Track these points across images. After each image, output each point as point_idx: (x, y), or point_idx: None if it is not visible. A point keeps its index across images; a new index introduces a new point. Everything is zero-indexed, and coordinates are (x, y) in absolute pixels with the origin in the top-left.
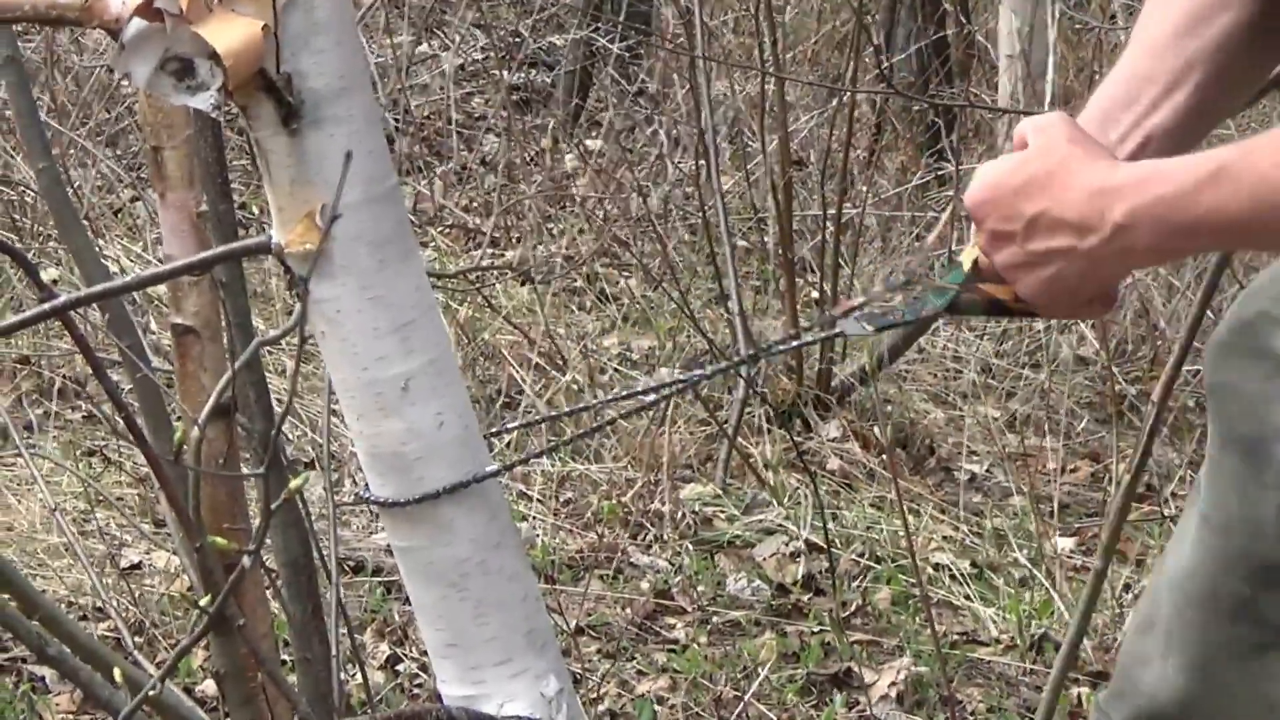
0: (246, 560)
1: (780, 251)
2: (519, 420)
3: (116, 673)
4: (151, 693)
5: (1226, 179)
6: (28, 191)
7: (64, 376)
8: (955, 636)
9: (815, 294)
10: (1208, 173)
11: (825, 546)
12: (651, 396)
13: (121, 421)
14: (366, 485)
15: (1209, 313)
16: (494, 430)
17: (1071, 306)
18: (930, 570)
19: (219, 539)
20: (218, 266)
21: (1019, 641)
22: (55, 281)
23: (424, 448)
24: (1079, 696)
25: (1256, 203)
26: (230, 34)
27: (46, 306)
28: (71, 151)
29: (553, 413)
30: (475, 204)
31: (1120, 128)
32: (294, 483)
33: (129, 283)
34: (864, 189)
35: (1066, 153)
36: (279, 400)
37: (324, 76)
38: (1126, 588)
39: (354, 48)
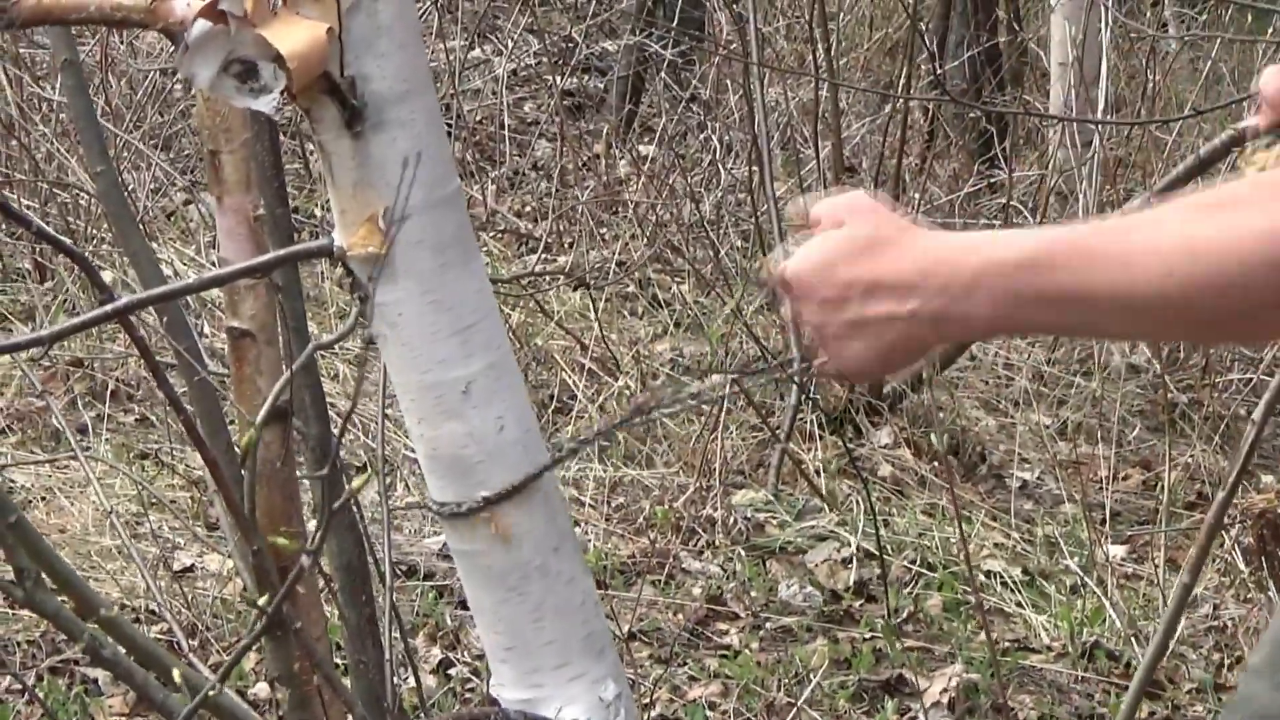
0: (305, 560)
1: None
2: (573, 428)
3: (176, 674)
4: (210, 694)
5: (1086, 251)
6: (81, 195)
7: (117, 379)
8: (1007, 643)
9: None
10: (1066, 244)
11: (877, 553)
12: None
13: (179, 424)
14: (406, 488)
15: None
16: (556, 457)
17: (882, 371)
18: (982, 577)
19: (281, 538)
20: (275, 270)
21: (1070, 649)
22: (110, 285)
23: (484, 451)
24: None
25: (1116, 283)
26: (295, 36)
27: (108, 308)
28: (126, 155)
29: (605, 421)
30: (527, 209)
31: None
32: (356, 483)
33: (189, 285)
34: (916, 196)
35: (892, 222)
36: (333, 404)
37: (387, 79)
38: (1187, 593)
39: (416, 51)
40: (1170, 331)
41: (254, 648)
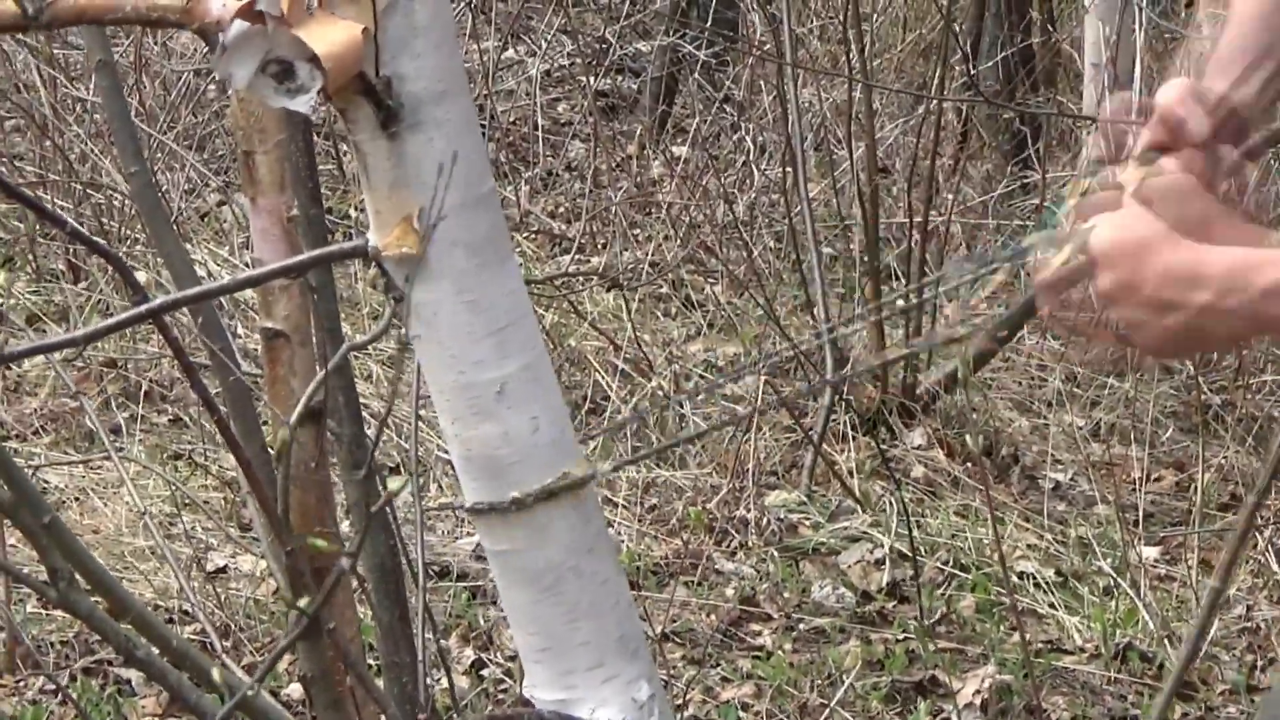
0: (345, 563)
1: (866, 259)
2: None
3: (215, 674)
4: (248, 694)
5: None
6: (114, 195)
7: (151, 380)
8: (1040, 645)
9: (901, 302)
10: None
11: (910, 554)
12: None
13: (213, 425)
14: (439, 489)
15: None
16: (588, 434)
17: (1182, 353)
18: (1015, 578)
19: (319, 541)
20: (309, 271)
21: (1103, 650)
22: (144, 285)
23: (518, 452)
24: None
25: None
26: (331, 37)
27: (143, 309)
28: (159, 156)
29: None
30: (561, 210)
31: (1211, 96)
32: (394, 485)
33: (225, 285)
34: (949, 197)
35: (1208, 209)
36: (366, 405)
37: (423, 80)
38: (1218, 596)
39: (452, 51)
40: None
41: (287, 651)
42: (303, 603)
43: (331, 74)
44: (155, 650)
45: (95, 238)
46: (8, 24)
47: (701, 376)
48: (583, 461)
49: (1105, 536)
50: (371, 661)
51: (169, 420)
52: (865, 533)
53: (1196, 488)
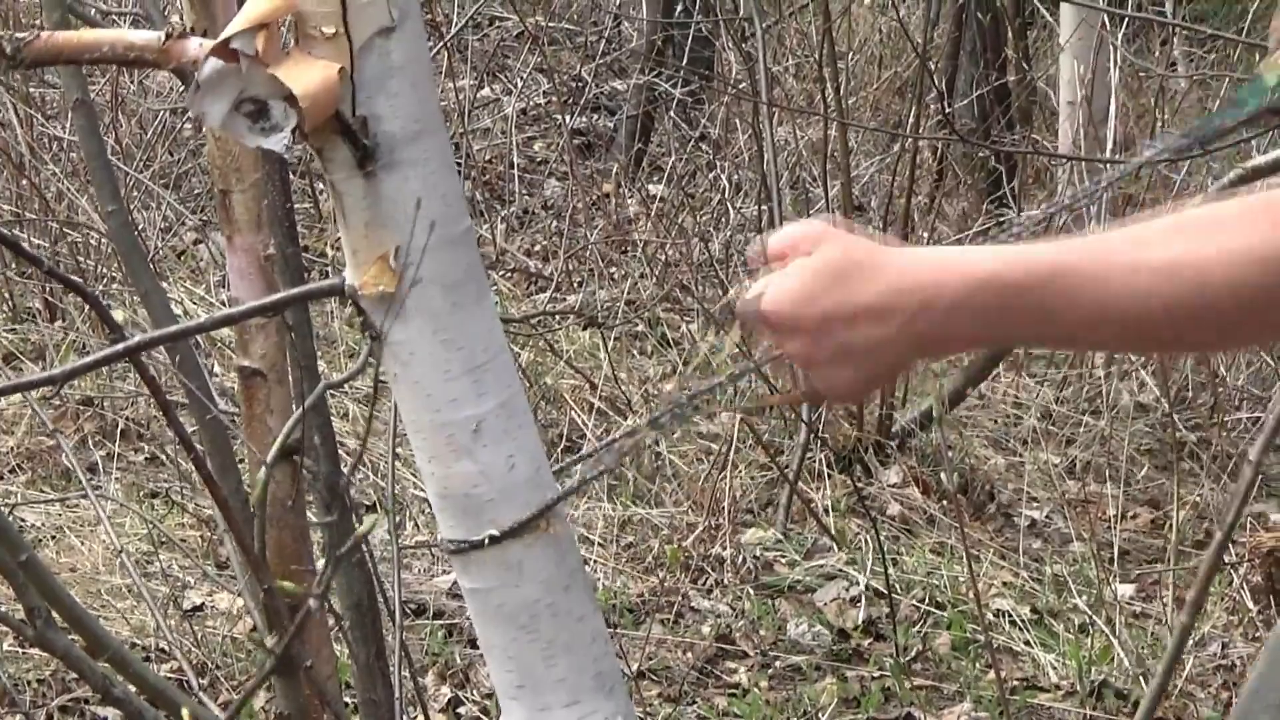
0: (313, 603)
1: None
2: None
3: (185, 714)
4: None
5: (1068, 272)
6: (91, 234)
7: (127, 418)
8: (1015, 682)
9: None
10: (1047, 266)
11: (886, 591)
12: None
13: (190, 463)
14: (417, 526)
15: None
16: (559, 467)
17: (869, 391)
18: (990, 616)
19: (286, 582)
20: (286, 309)
21: (1079, 687)
22: (121, 324)
23: (495, 490)
24: None
25: (1100, 309)
26: (307, 76)
27: (120, 347)
28: (136, 194)
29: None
30: (537, 248)
31: None
32: (363, 527)
33: (202, 324)
34: (925, 235)
35: (859, 246)
36: (343, 444)
37: (399, 119)
38: (1186, 635)
39: (429, 91)
40: (1149, 347)
41: (264, 685)
42: (270, 642)
43: (307, 113)
44: (132, 688)
45: (72, 276)
46: None
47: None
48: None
49: (1080, 574)
50: (348, 699)
51: (145, 458)
52: (841, 570)
53: (1171, 525)
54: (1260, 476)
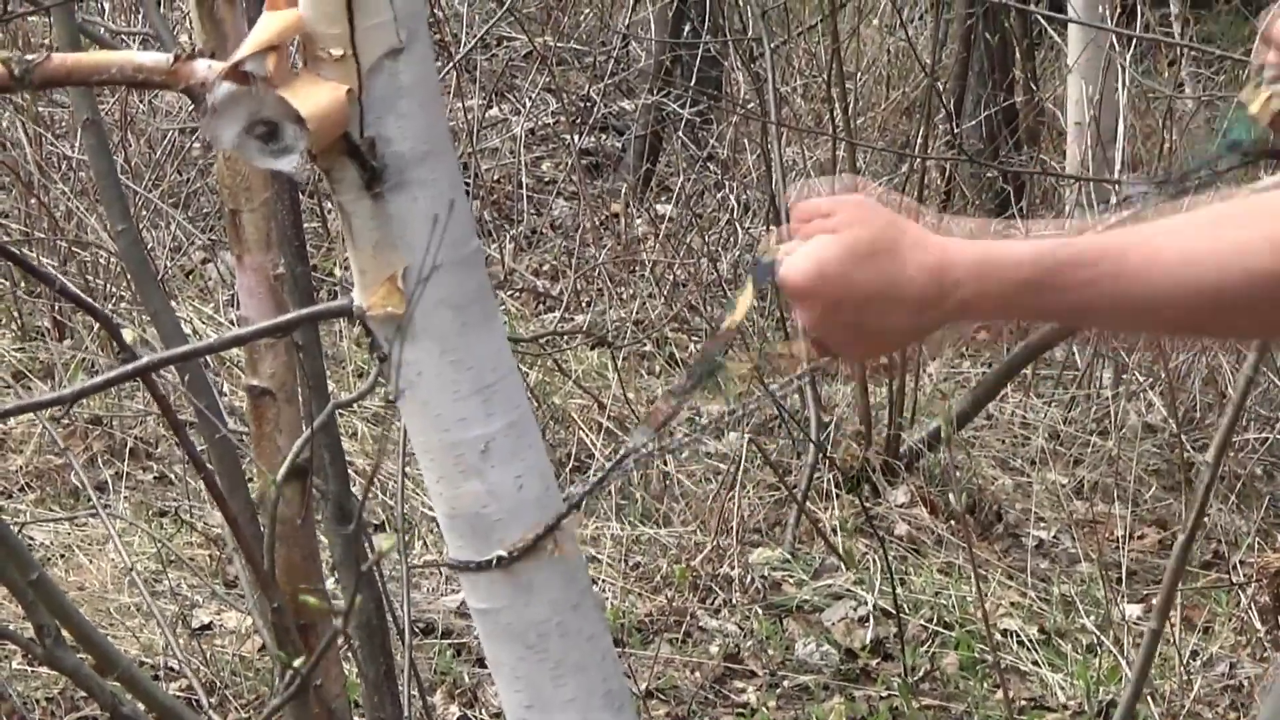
0: (338, 622)
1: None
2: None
3: None
4: None
5: (1092, 261)
6: (100, 253)
7: (136, 437)
8: (1023, 702)
9: (884, 359)
10: (1071, 256)
11: (894, 611)
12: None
13: (199, 482)
14: (424, 546)
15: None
16: (569, 491)
17: (874, 358)
18: (998, 636)
19: (311, 598)
20: (296, 329)
21: (1087, 708)
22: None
23: (504, 509)
24: None
25: (1119, 299)
26: (316, 98)
27: (132, 366)
28: (145, 213)
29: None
30: (545, 268)
31: None
32: (385, 544)
33: (212, 344)
34: None
35: (893, 225)
36: (352, 463)
37: (408, 140)
38: (1194, 655)
39: (437, 112)
40: (1164, 332)
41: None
42: (296, 661)
43: (316, 134)
44: (141, 707)
45: (83, 295)
46: None
47: (686, 434)
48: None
49: (1088, 594)
50: (357, 718)
51: (154, 477)
52: (849, 590)
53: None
54: (1269, 496)
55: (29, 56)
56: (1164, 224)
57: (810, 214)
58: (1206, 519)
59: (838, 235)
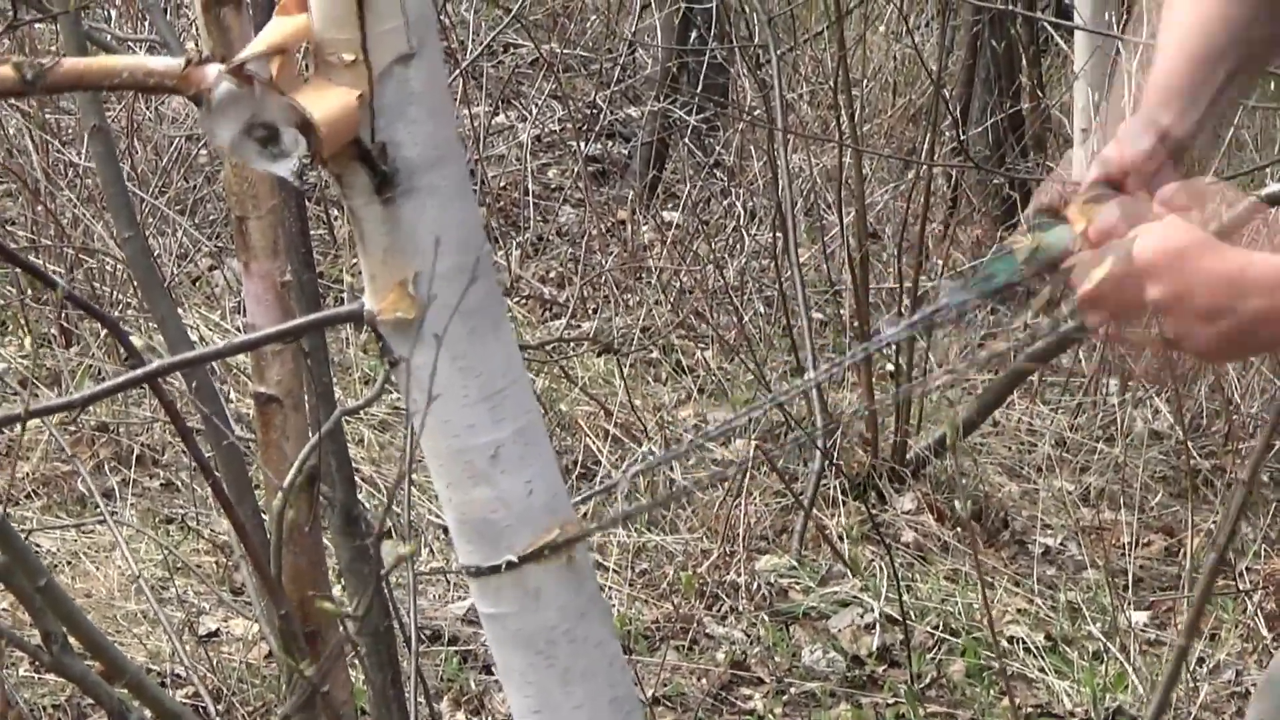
0: (352, 627)
1: (856, 324)
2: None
3: None
4: None
5: None
6: (107, 260)
7: (143, 444)
8: (1029, 709)
9: (890, 367)
10: None
11: (900, 618)
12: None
13: (206, 488)
14: (432, 553)
15: None
16: (580, 495)
17: (1233, 358)
18: (1005, 643)
19: (326, 603)
20: (303, 335)
21: (1094, 715)
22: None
23: (513, 515)
24: None
25: None
26: (326, 102)
27: (141, 372)
28: (151, 220)
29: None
30: (552, 275)
31: (1159, 126)
32: (399, 550)
33: (221, 349)
34: (939, 262)
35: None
36: (358, 470)
37: (418, 146)
38: (1200, 662)
39: (447, 118)
40: None
41: (276, 711)
42: (304, 667)
43: (327, 139)
44: (149, 713)
45: (90, 302)
46: (5, 89)
47: (692, 441)
48: (576, 524)
49: (1095, 601)
50: None
51: (161, 484)
52: (855, 597)
53: (1186, 552)
54: (1276, 503)
55: (39, 61)
56: None
57: (1106, 234)
58: (1213, 525)
59: (1187, 218)
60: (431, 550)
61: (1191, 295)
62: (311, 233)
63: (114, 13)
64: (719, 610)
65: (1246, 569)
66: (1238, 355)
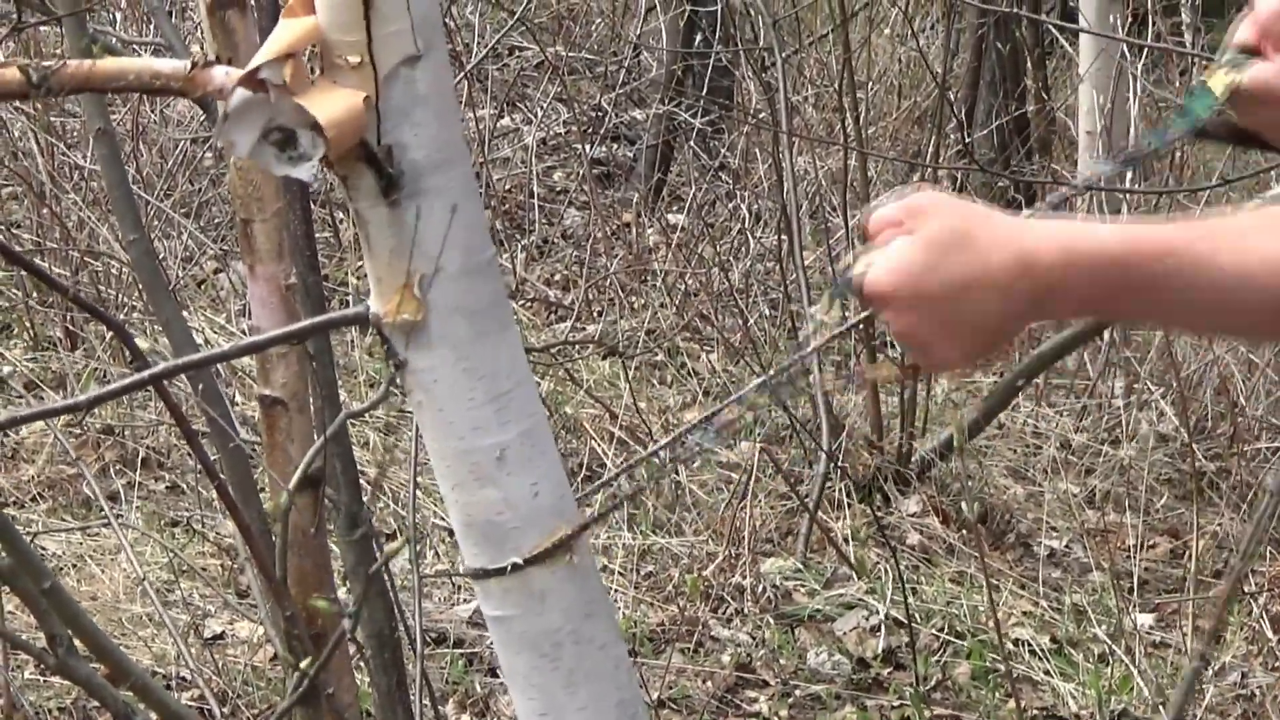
0: (347, 623)
1: (861, 327)
2: (602, 497)
3: None
4: None
5: (1173, 261)
6: (112, 263)
7: (148, 447)
8: (1035, 711)
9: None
10: (1152, 247)
11: (906, 621)
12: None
13: (211, 491)
14: (437, 555)
15: None
16: (583, 495)
17: (979, 359)
18: (1010, 645)
19: (322, 601)
20: (308, 338)
21: (1099, 717)
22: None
23: (519, 517)
24: None
25: (1211, 291)
26: (332, 105)
27: (146, 374)
28: (156, 223)
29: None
30: (557, 277)
31: None
32: (391, 547)
33: (226, 351)
34: None
35: (964, 216)
36: (363, 472)
37: (424, 148)
38: (1206, 664)
39: (453, 120)
40: (1242, 331)
41: (286, 714)
42: (303, 665)
43: (333, 141)
44: (154, 716)
45: (96, 305)
46: (12, 91)
47: (697, 444)
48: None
49: (1100, 603)
50: None
51: (166, 487)
52: (861, 600)
53: (1191, 555)
54: None
55: (46, 63)
56: (1250, 221)
57: (883, 225)
58: (1218, 527)
59: (914, 235)
60: (437, 553)
61: (927, 312)
62: (316, 235)
63: (119, 16)
64: (724, 613)
65: (1252, 571)
66: (983, 354)
